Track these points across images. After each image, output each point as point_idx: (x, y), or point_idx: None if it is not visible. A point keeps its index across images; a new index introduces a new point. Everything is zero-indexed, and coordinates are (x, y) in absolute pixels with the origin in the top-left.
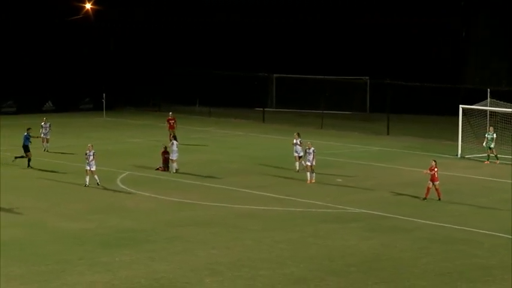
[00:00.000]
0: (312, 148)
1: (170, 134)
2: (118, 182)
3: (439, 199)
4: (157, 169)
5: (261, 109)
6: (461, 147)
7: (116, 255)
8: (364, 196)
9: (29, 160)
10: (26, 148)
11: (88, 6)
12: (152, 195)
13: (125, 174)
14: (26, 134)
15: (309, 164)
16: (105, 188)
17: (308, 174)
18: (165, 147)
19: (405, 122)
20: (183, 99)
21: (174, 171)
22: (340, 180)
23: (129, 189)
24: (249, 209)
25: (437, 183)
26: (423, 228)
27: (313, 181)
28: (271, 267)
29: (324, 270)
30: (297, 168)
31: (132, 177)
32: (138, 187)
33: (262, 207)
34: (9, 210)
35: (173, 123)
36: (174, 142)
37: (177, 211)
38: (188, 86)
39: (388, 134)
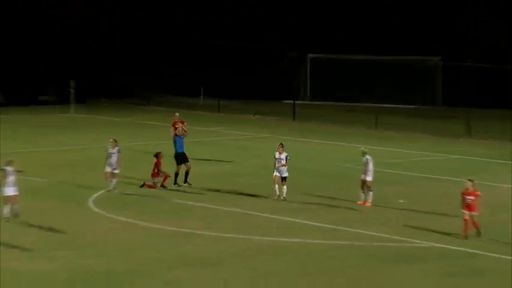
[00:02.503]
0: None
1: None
2: (90, 203)
3: (478, 233)
4: (144, 185)
5: (291, 102)
6: None
7: None
8: (438, 224)
9: None
10: None
11: None
12: (137, 222)
13: (99, 192)
14: None
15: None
16: (72, 212)
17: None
18: (158, 155)
19: (493, 119)
20: (180, 88)
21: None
22: (402, 201)
23: (105, 214)
24: (273, 242)
25: (475, 213)
26: None
27: (369, 204)
28: None
29: None
30: (277, 192)
31: (110, 196)
32: (118, 211)
33: (294, 240)
34: None
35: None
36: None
37: (173, 245)
38: (188, 69)
39: (470, 136)
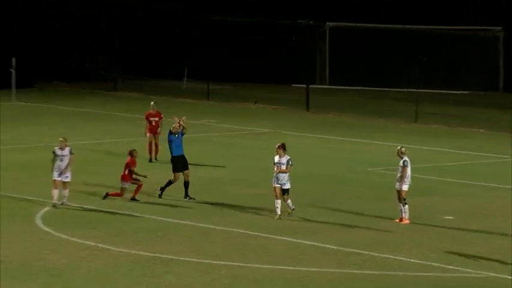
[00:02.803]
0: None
1: (150, 145)
2: (37, 220)
3: None
4: (107, 196)
5: (303, 86)
6: None
7: None
8: (496, 247)
9: None
10: None
11: None
12: (100, 245)
13: (47, 208)
14: None
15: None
16: (14, 234)
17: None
18: (132, 153)
19: None
20: (158, 69)
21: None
22: (450, 217)
23: (56, 234)
24: (278, 271)
25: None
26: None
27: (407, 221)
28: None
29: None
30: (278, 212)
31: (63, 213)
32: (73, 230)
33: (302, 268)
34: None
35: (157, 122)
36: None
37: (148, 275)
38: (168, 44)
39: None
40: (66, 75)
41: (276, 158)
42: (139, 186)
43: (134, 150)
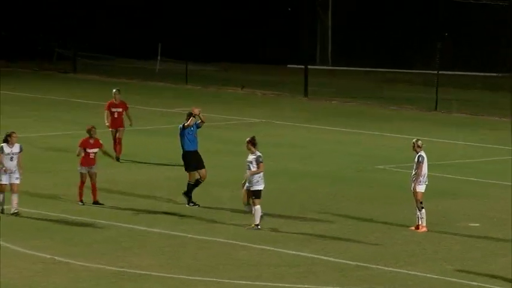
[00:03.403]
0: (256, 154)
1: (115, 140)
2: None
3: None
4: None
5: (301, 67)
6: None
7: None
8: None
9: None
10: None
11: None
12: (57, 258)
13: None
14: None
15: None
16: None
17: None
18: (89, 131)
19: None
20: (126, 47)
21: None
22: (476, 225)
23: (6, 245)
24: None
25: None
26: None
27: (424, 228)
28: None
29: None
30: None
31: (13, 219)
32: (25, 240)
33: (298, 285)
34: None
35: (120, 114)
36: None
37: None
38: (137, 17)
39: None
40: (14, 54)
41: (249, 156)
42: (93, 186)
43: (93, 127)
